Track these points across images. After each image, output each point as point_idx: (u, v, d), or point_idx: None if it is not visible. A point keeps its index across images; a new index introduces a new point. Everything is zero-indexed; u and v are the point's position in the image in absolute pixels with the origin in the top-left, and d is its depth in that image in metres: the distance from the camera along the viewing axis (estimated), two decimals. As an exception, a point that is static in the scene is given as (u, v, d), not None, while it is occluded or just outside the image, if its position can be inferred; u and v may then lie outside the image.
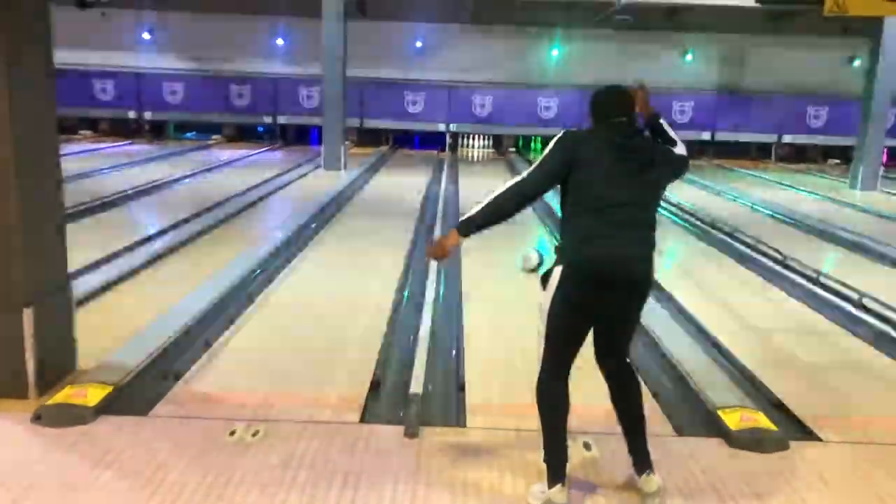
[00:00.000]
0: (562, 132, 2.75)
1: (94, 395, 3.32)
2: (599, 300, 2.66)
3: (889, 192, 12.21)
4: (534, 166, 2.70)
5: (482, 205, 2.68)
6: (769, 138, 16.83)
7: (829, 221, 9.09)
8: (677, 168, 2.85)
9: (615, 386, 2.88)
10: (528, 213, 8.99)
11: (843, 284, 5.94)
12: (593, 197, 2.62)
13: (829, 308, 5.55)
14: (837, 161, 16.67)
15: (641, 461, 2.82)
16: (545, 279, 2.71)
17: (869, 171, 12.35)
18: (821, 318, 5.44)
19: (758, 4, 12.68)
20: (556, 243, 2.74)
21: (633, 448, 2.85)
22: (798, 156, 17.02)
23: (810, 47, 15.87)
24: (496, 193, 2.67)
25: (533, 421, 3.40)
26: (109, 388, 3.39)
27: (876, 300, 5.48)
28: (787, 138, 16.55)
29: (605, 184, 2.62)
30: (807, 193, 11.96)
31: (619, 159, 2.65)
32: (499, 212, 2.67)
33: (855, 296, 5.68)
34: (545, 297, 2.69)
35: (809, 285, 6.08)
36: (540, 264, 3.19)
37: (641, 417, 2.86)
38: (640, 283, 2.70)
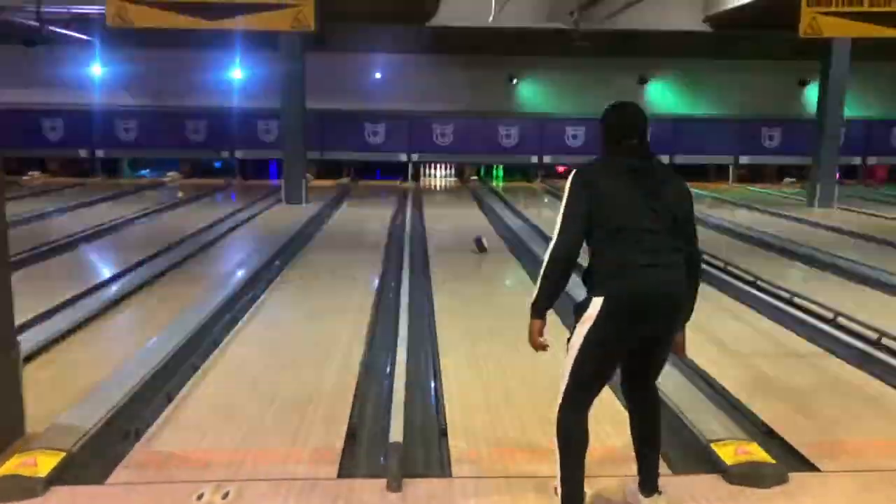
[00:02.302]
0: (573, 172, 2.69)
1: (44, 463, 3.03)
2: (640, 329, 2.61)
3: (846, 209, 12.45)
4: (559, 225, 2.64)
5: (538, 285, 2.67)
6: (726, 160, 17.13)
7: (793, 240, 9.16)
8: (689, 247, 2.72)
9: (640, 415, 2.84)
10: (494, 244, 8.97)
11: (816, 304, 5.93)
12: (617, 227, 2.58)
13: (804, 328, 5.50)
14: (793, 180, 17.03)
15: (651, 483, 2.83)
16: (579, 311, 2.63)
17: (826, 188, 12.59)
18: (797, 338, 5.39)
19: (711, 30, 13.03)
20: (589, 275, 2.66)
21: (645, 470, 2.84)
22: (755, 176, 17.34)
23: (763, 71, 16.26)
24: (542, 270, 2.66)
25: (524, 466, 3.26)
26: (61, 455, 3.11)
27: (850, 318, 5.47)
28: (743, 159, 16.86)
29: (627, 212, 2.59)
30: (768, 214, 12.09)
31: (635, 185, 2.62)
32: (554, 284, 2.66)
33: (829, 315, 5.66)
34: (578, 330, 2.61)
35: (783, 306, 6.05)
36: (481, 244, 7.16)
37: (658, 444, 2.86)
38: (678, 309, 2.66)
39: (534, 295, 2.69)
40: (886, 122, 16.95)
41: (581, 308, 2.63)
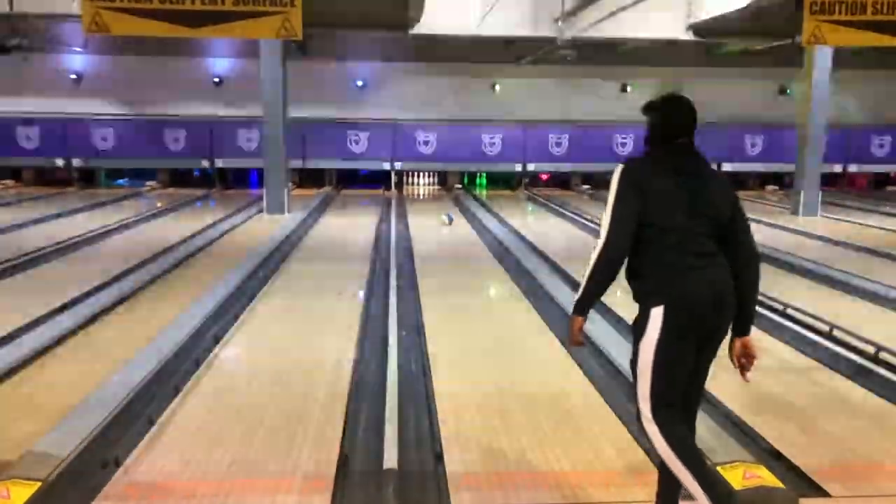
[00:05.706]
0: (621, 168, 2.57)
1: (18, 494, 2.85)
2: (701, 330, 2.52)
3: (830, 217, 12.48)
4: (607, 223, 2.53)
5: (583, 283, 2.58)
6: (710, 167, 17.16)
7: (781, 249, 9.13)
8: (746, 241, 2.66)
9: None
10: (481, 254, 8.86)
11: (812, 316, 5.86)
12: (665, 228, 2.49)
13: (800, 342, 5.43)
14: (775, 188, 17.11)
15: None
16: (639, 326, 2.53)
17: (810, 197, 12.60)
18: (795, 352, 5.31)
19: (694, 38, 13.05)
20: (639, 280, 2.57)
21: (667, 498, 2.71)
22: (738, 184, 17.39)
23: (744, 78, 16.33)
24: (590, 268, 2.55)
25: (525, 492, 3.12)
26: (36, 485, 2.93)
27: (846, 331, 5.40)
28: (726, 167, 16.89)
29: (675, 212, 2.50)
30: (754, 222, 12.05)
31: (682, 185, 2.53)
32: (601, 284, 2.58)
33: (825, 327, 5.60)
34: (643, 345, 2.51)
35: (777, 318, 5.97)
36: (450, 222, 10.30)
37: None
38: (731, 308, 2.58)
39: (579, 292, 2.60)
40: (867, 129, 17.09)
41: (641, 322, 2.52)
